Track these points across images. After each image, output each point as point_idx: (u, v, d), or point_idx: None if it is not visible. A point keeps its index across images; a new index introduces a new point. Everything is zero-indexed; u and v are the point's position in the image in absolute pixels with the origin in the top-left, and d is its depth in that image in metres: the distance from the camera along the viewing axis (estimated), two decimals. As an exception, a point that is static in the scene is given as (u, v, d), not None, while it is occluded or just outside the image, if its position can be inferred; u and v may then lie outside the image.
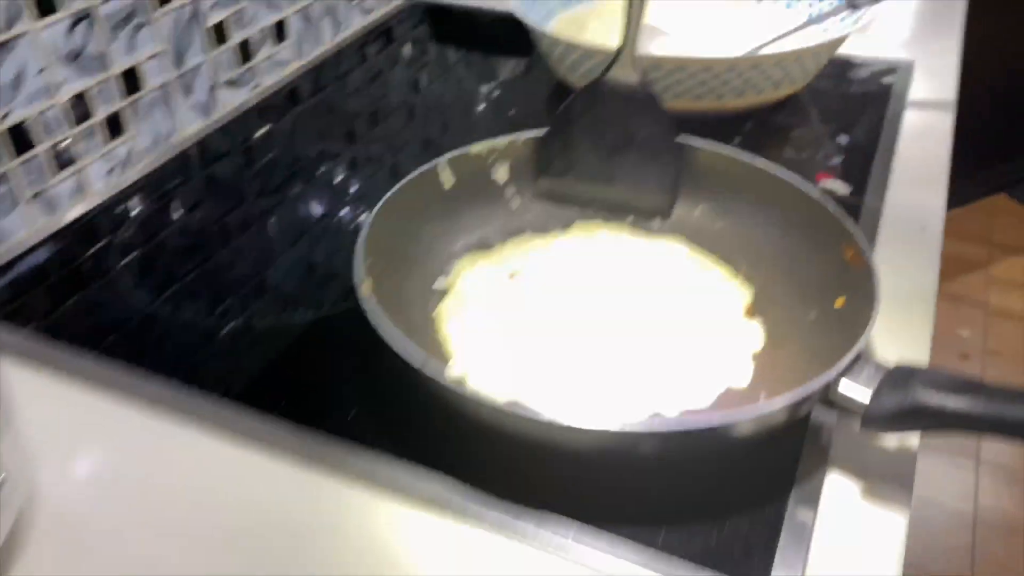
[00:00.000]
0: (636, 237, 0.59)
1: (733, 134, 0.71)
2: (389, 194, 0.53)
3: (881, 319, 0.44)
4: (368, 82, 0.86)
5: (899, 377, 0.41)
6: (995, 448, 1.54)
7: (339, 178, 0.69)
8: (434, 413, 0.44)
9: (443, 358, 0.48)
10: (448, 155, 0.57)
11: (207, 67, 0.76)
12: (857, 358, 0.42)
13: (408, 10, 1.01)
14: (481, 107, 0.80)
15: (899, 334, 0.51)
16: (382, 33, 0.95)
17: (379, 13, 0.99)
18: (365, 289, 0.45)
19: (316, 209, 0.65)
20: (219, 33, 0.77)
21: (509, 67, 0.88)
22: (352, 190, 0.68)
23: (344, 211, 0.65)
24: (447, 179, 0.57)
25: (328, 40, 0.92)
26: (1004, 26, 1.63)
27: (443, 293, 0.53)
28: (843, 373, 0.42)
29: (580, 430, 0.38)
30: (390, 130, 0.76)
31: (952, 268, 2.00)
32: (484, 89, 0.83)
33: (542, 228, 0.59)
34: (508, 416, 0.39)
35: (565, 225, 0.59)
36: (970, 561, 1.37)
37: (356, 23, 0.96)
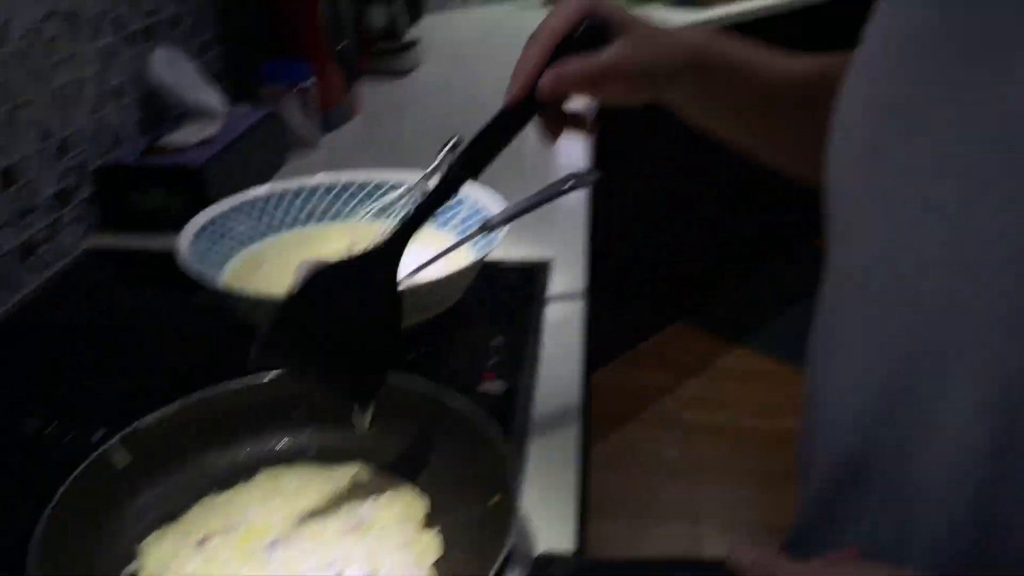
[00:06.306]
0: (321, 471, 0.64)
1: (409, 350, 0.80)
2: (58, 495, 0.53)
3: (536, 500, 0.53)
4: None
5: (541, 567, 0.49)
6: None
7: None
8: None
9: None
10: (119, 435, 0.59)
11: None
12: (508, 556, 0.50)
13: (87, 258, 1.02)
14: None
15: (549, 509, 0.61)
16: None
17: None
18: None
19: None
20: None
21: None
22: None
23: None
24: (121, 459, 0.59)
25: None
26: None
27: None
28: (497, 576, 0.49)
29: None
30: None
31: (649, 394, 2.26)
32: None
33: (225, 483, 0.62)
34: None
35: (249, 475, 0.63)
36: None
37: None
